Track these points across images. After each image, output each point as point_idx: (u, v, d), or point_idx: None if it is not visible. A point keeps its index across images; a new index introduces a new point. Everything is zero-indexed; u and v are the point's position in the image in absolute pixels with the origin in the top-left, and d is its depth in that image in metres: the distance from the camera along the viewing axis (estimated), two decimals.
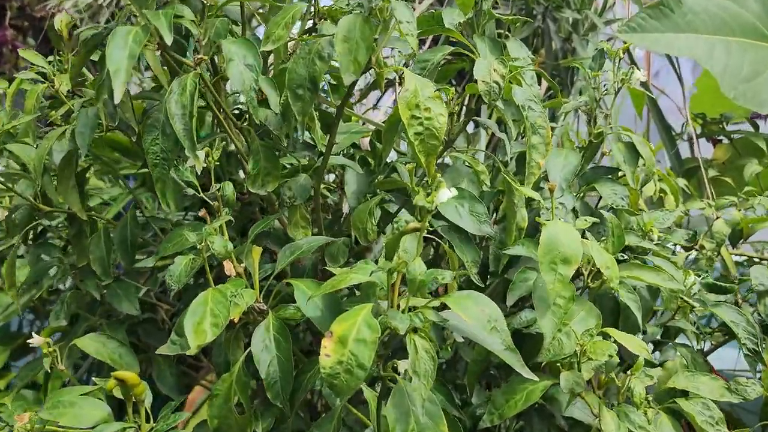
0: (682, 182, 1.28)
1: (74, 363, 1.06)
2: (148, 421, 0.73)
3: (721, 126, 1.56)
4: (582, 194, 1.00)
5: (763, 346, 0.91)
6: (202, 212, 0.79)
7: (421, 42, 1.46)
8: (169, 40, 0.71)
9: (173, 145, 0.77)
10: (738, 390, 0.82)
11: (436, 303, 0.67)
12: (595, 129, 1.05)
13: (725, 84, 1.25)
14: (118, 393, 0.68)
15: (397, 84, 1.53)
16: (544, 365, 0.83)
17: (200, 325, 0.70)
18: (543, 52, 1.72)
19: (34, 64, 0.96)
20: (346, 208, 1.09)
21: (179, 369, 1.06)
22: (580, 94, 1.63)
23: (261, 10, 1.13)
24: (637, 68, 1.09)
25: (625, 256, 0.88)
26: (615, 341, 0.77)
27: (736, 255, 1.31)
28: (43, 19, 2.44)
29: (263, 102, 0.86)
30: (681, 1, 1.23)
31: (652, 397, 0.79)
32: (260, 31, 1.31)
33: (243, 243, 1.00)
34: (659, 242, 0.95)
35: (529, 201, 0.94)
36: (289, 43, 0.95)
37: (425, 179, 0.94)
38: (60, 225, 1.14)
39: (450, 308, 0.66)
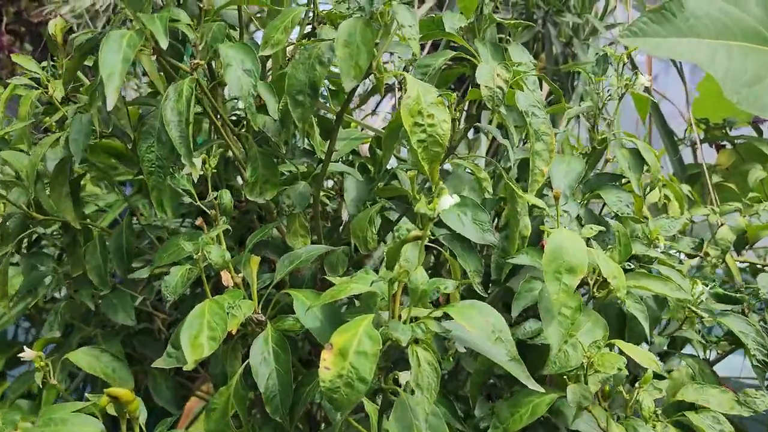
0: (686, 188, 1.26)
1: (70, 371, 1.04)
2: None
3: (724, 131, 1.55)
4: (586, 201, 0.99)
5: None
6: (199, 221, 0.77)
7: (421, 47, 1.44)
8: (164, 44, 0.69)
9: (169, 153, 0.76)
10: (747, 402, 0.80)
11: (439, 313, 0.66)
12: (598, 135, 1.04)
13: (728, 88, 1.24)
14: (111, 410, 0.66)
15: (396, 89, 1.51)
16: (548, 376, 0.81)
17: (197, 338, 0.68)
18: (543, 57, 1.71)
19: (28, 70, 0.94)
20: (345, 215, 1.07)
21: (175, 380, 1.04)
22: (581, 99, 1.62)
23: (259, 15, 1.12)
24: (640, 73, 1.07)
25: (632, 265, 0.86)
26: (622, 353, 0.75)
27: (738, 262, 1.30)
28: (40, 25, 2.42)
29: (261, 108, 0.85)
30: (683, 6, 1.22)
31: (660, 410, 0.77)
32: (258, 36, 1.29)
33: (241, 252, 0.98)
34: (665, 250, 0.93)
35: (531, 208, 0.92)
36: (287, 48, 0.93)
37: (426, 186, 0.92)
38: (55, 233, 1.12)
39: (453, 318, 0.65)
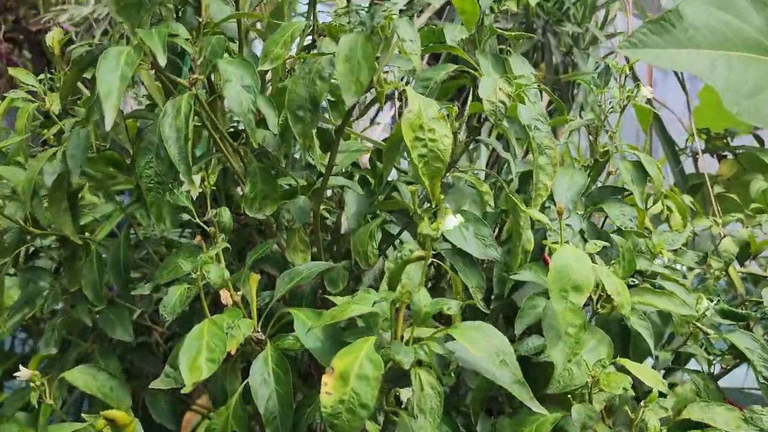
0: (687, 199, 1.26)
1: (68, 385, 1.03)
2: None
3: (725, 141, 1.54)
4: (588, 215, 0.98)
5: None
6: (197, 239, 0.76)
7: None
8: (162, 61, 0.68)
9: (168, 169, 0.74)
10: (753, 419, 0.79)
11: (442, 333, 0.65)
12: (600, 147, 1.03)
13: (728, 99, 1.23)
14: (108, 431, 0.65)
15: (396, 98, 1.50)
16: (551, 394, 0.80)
17: (196, 360, 0.67)
18: (543, 66, 1.70)
19: (25, 83, 0.93)
20: (345, 226, 1.06)
21: (173, 395, 1.03)
22: (582, 108, 1.61)
23: (258, 26, 1.11)
24: (641, 83, 1.07)
25: (635, 281, 0.85)
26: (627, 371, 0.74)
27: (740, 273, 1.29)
28: (39, 33, 2.41)
29: (261, 122, 0.84)
30: (682, 16, 1.21)
31: (666, 429, 0.76)
32: (258, 45, 1.28)
33: (240, 266, 0.97)
34: (668, 264, 0.92)
35: (534, 222, 0.91)
36: (287, 59, 0.92)
37: (428, 200, 0.91)
38: (52, 245, 1.11)
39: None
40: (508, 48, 1.04)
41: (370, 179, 1.02)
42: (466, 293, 0.86)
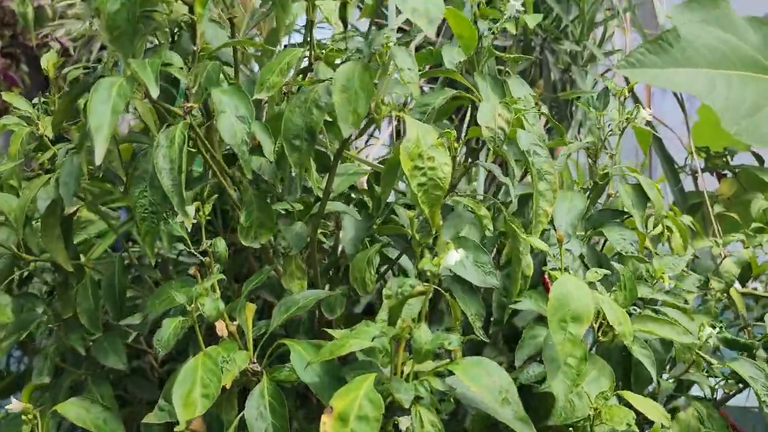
0: (687, 219, 1.25)
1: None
2: None
3: (725, 159, 1.53)
4: (588, 239, 0.97)
5: None
6: (192, 270, 0.74)
7: None
8: (155, 93, 0.67)
9: (162, 199, 0.73)
10: None
11: (442, 368, 0.63)
12: (600, 170, 1.02)
13: (727, 119, 1.22)
14: None
15: (393, 117, 1.49)
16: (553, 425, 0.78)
17: (189, 396, 0.66)
18: (541, 84, 1.69)
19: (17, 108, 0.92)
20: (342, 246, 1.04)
21: (168, 423, 1.01)
22: (580, 126, 1.60)
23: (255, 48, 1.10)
24: (641, 105, 1.06)
25: (637, 309, 0.84)
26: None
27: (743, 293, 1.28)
28: (36, 47, 2.41)
29: (257, 148, 0.82)
30: (679, 36, 1.21)
31: None
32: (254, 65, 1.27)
33: (236, 289, 0.95)
34: (670, 290, 0.91)
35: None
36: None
37: (427, 222, 0.90)
38: (45, 269, 1.10)
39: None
40: (507, 69, 1.03)
41: (367, 200, 1.01)
42: (465, 320, 0.85)
